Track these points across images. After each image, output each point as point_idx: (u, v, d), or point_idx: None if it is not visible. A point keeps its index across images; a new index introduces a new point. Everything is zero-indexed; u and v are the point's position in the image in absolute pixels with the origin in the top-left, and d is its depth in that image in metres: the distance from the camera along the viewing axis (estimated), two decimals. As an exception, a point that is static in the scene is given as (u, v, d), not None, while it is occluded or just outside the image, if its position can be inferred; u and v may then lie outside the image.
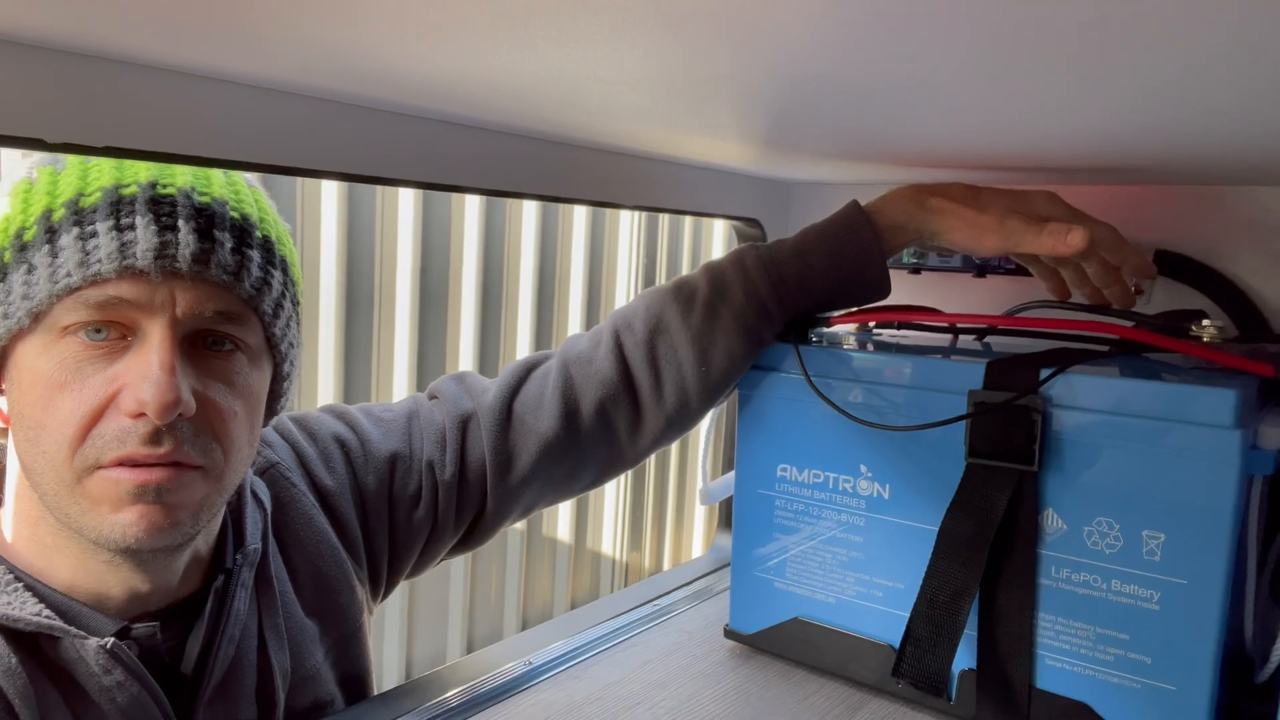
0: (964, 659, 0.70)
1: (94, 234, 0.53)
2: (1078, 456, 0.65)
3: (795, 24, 0.35)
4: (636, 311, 0.76)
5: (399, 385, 2.32)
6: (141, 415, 0.54)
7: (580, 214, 2.69)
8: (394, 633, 2.42)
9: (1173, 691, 0.63)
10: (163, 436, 0.54)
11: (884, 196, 0.75)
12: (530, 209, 2.53)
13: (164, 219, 0.54)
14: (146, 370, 0.54)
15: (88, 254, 0.53)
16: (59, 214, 0.54)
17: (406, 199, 2.28)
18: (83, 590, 0.58)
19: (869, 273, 0.73)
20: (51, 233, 0.54)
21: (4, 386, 0.58)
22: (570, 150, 0.81)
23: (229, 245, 0.57)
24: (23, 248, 0.54)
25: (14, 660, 0.54)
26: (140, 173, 0.55)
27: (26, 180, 0.57)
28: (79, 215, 0.54)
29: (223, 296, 0.57)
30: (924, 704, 0.73)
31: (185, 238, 0.55)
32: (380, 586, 0.78)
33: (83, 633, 0.56)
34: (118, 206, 0.54)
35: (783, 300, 0.74)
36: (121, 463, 0.54)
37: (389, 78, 0.52)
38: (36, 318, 0.54)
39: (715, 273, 0.75)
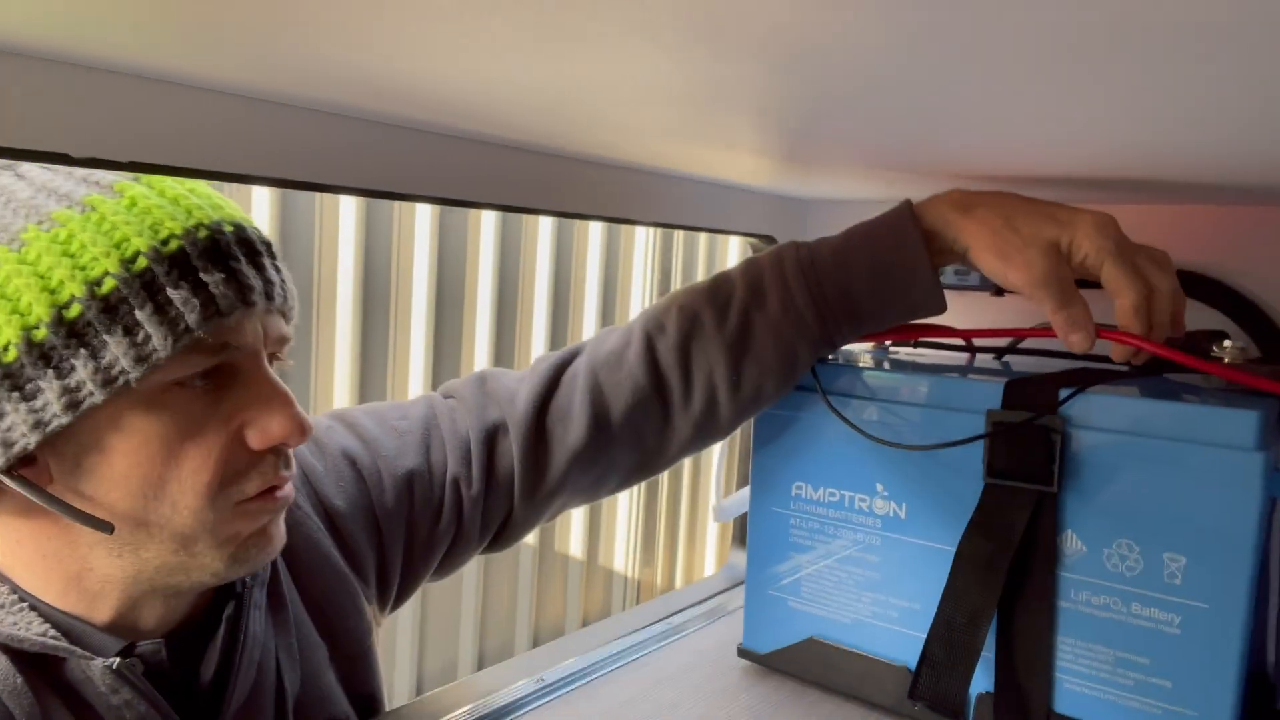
0: (981, 681, 0.69)
1: (204, 284, 0.52)
2: (1097, 477, 0.64)
3: (825, 37, 0.35)
4: (670, 312, 0.71)
5: (414, 390, 2.32)
6: (277, 446, 0.57)
7: (596, 232, 2.69)
8: (405, 646, 2.42)
9: (1193, 717, 0.62)
10: (290, 459, 0.60)
11: (934, 196, 0.68)
12: (545, 225, 2.54)
13: (256, 257, 0.56)
14: (272, 404, 0.56)
15: (206, 304, 0.52)
16: (140, 264, 0.51)
17: (424, 210, 2.29)
18: (99, 616, 0.58)
19: (917, 282, 0.66)
20: (149, 288, 0.51)
21: (67, 460, 0.53)
22: (585, 167, 0.81)
23: (283, 271, 0.60)
24: (108, 308, 0.51)
25: (19, 680, 0.53)
26: (193, 213, 0.54)
27: (49, 235, 0.51)
28: (174, 265, 0.52)
29: (284, 324, 0.60)
30: (940, 727, 0.72)
31: (273, 275, 0.57)
32: (390, 599, 0.77)
33: (88, 653, 0.55)
34: (211, 252, 0.53)
35: (822, 313, 0.67)
36: (263, 493, 0.58)
37: (414, 96, 0.53)
38: (143, 377, 0.52)
39: (753, 276, 0.69)
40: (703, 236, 3.08)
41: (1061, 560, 0.66)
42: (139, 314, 0.51)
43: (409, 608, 2.38)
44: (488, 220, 2.44)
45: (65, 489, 0.53)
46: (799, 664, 0.80)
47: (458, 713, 0.74)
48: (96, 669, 0.55)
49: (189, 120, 0.52)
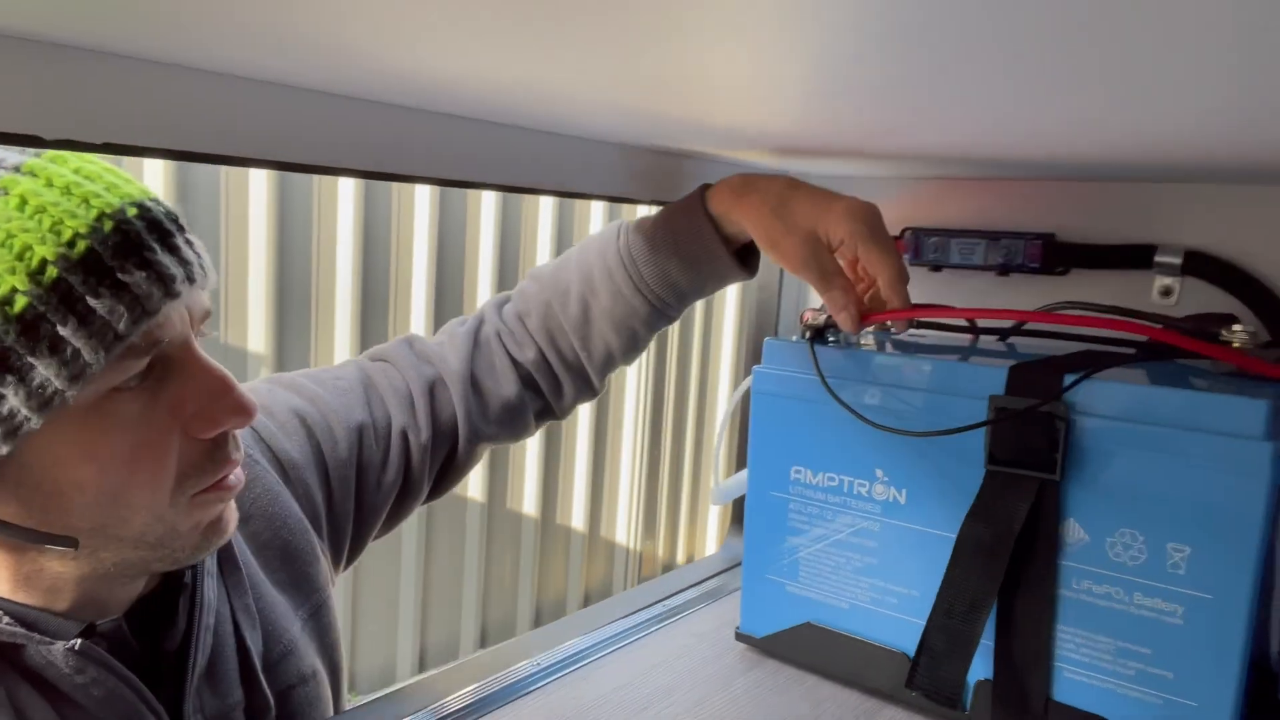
0: (980, 669, 0.68)
1: (124, 285, 0.49)
2: (1102, 465, 0.63)
3: (820, 19, 0.34)
4: (531, 296, 0.82)
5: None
6: (222, 434, 0.56)
7: (597, 210, 2.67)
8: (408, 621, 2.43)
9: (1194, 708, 0.61)
10: (237, 438, 0.59)
11: (722, 181, 0.76)
12: (546, 206, 2.52)
13: (168, 240, 0.52)
14: (211, 392, 0.55)
15: (131, 307, 0.49)
16: (50, 274, 0.48)
17: (423, 197, 2.27)
18: (54, 604, 0.56)
19: (718, 262, 0.76)
20: (66, 300, 0.48)
21: (17, 485, 0.51)
22: (583, 145, 0.80)
23: (196, 244, 0.56)
24: (26, 329, 0.47)
25: None
26: (91, 201, 0.50)
27: None
28: (88, 271, 0.48)
29: (203, 295, 0.57)
30: (939, 714, 0.71)
31: (189, 253, 0.54)
32: (342, 556, 0.79)
33: (47, 638, 0.54)
34: (122, 246, 0.50)
35: (647, 297, 0.78)
36: (219, 480, 0.57)
37: (399, 74, 0.51)
38: (78, 393, 0.49)
39: (584, 268, 0.80)
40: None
41: (1063, 549, 0.65)
42: (62, 330, 0.48)
43: (410, 583, 2.39)
44: (487, 207, 2.42)
45: (20, 511, 0.51)
46: (796, 649, 0.79)
47: (453, 696, 0.74)
48: (58, 653, 0.54)
49: (167, 100, 0.50)
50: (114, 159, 0.53)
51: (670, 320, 0.82)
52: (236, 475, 0.59)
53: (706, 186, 0.76)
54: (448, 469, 0.83)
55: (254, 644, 0.66)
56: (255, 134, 0.55)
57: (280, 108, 0.56)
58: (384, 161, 0.64)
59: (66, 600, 0.57)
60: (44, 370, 0.47)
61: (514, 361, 0.82)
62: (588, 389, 0.85)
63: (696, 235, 0.75)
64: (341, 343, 2.20)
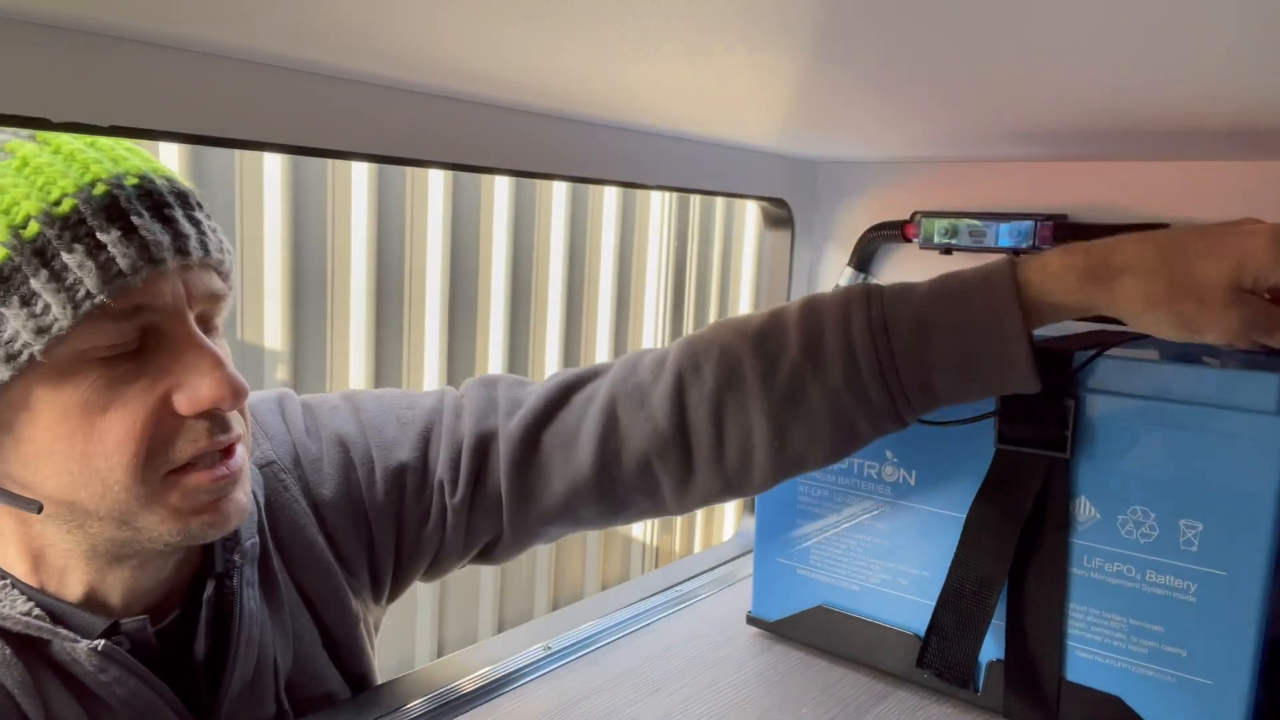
0: (992, 649, 0.68)
1: (101, 245, 0.49)
2: (1113, 443, 0.63)
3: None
4: (709, 353, 0.62)
5: (430, 368, 2.33)
6: (208, 412, 0.54)
7: (610, 197, 2.67)
8: (426, 614, 2.44)
9: (1209, 685, 0.60)
10: (227, 423, 0.55)
11: (1044, 260, 0.56)
12: (560, 194, 2.52)
13: (164, 211, 0.52)
14: (199, 368, 0.53)
15: (105, 266, 0.49)
16: (31, 230, 0.48)
17: (436, 184, 2.28)
18: (72, 592, 0.57)
19: (1012, 378, 0.56)
20: (41, 254, 0.48)
21: None
22: (595, 130, 0.80)
23: (207, 225, 0.55)
24: (1, 280, 0.48)
25: (8, 651, 0.54)
26: (90, 168, 0.51)
27: None
28: (66, 227, 0.49)
29: (214, 278, 0.56)
30: (951, 695, 0.71)
31: (186, 227, 0.53)
32: (384, 592, 0.73)
33: (72, 634, 0.55)
34: (109, 209, 0.50)
35: (891, 394, 0.58)
36: (196, 460, 0.54)
37: (413, 57, 0.51)
38: (48, 349, 0.49)
39: (812, 330, 0.59)
40: (719, 203, 3.04)
41: (1074, 527, 0.65)
42: (34, 283, 0.48)
43: (428, 575, 2.40)
44: (501, 194, 2.42)
45: None
46: (808, 631, 0.79)
47: (465, 679, 0.74)
48: (81, 651, 0.55)
49: (174, 83, 0.50)
50: (138, 144, 0.53)
51: (897, 429, 0.61)
52: (233, 466, 0.56)
53: (1012, 271, 0.55)
54: (494, 544, 0.71)
55: (283, 662, 0.65)
56: (277, 119, 0.55)
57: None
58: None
59: (78, 584, 0.57)
60: (14, 322, 0.48)
61: (617, 435, 0.64)
62: (733, 490, 0.64)
63: (997, 338, 0.55)
64: (357, 338, 2.21)
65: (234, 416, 0.57)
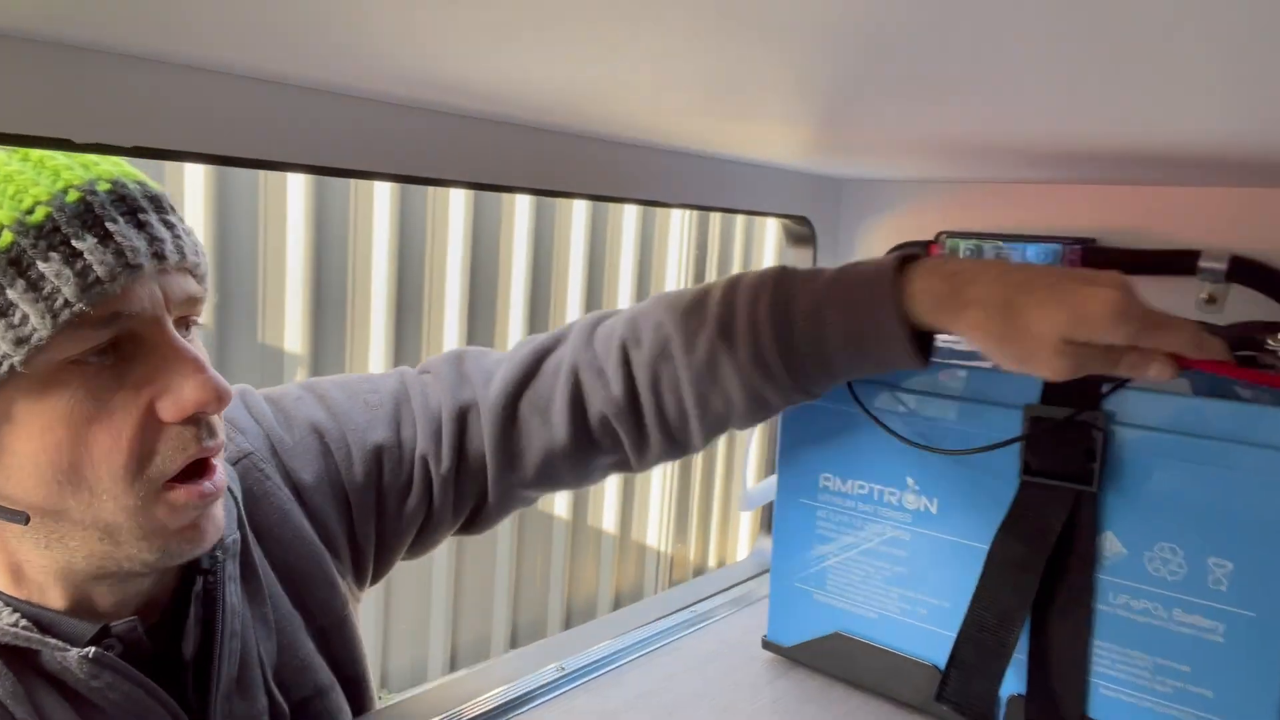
0: (1013, 684, 0.67)
1: (78, 253, 0.49)
2: (1141, 477, 0.61)
3: (860, 12, 0.33)
4: (647, 325, 0.68)
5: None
6: (194, 416, 0.53)
7: (630, 212, 2.67)
8: (440, 622, 2.44)
9: (1237, 729, 0.59)
10: (213, 428, 0.56)
11: (914, 274, 0.60)
12: (580, 208, 2.52)
13: (138, 216, 0.52)
14: (181, 373, 0.52)
15: (83, 274, 0.49)
16: (5, 240, 0.48)
17: (457, 200, 2.28)
18: (56, 600, 0.57)
19: (893, 357, 0.60)
20: (17, 264, 0.48)
21: None
22: (617, 148, 0.79)
23: (180, 227, 0.55)
24: None
25: None
26: (67, 175, 0.51)
27: None
28: (41, 236, 0.49)
29: (190, 281, 0.56)
30: (969, 728, 0.70)
31: (160, 231, 0.53)
32: (366, 574, 0.75)
33: (61, 644, 0.54)
34: (84, 216, 0.50)
35: (791, 368, 0.63)
36: (186, 470, 0.54)
37: (436, 78, 0.51)
38: (28, 360, 0.49)
39: (726, 308, 0.65)
40: (740, 219, 3.04)
41: (1100, 562, 0.63)
42: (10, 293, 0.48)
43: (442, 583, 2.41)
44: (521, 210, 2.42)
45: None
46: (824, 658, 0.78)
47: (477, 699, 0.74)
48: (72, 659, 0.54)
49: (198, 104, 0.50)
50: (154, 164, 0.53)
51: (806, 399, 0.67)
52: (215, 484, 0.56)
53: (898, 270, 0.60)
54: (479, 510, 0.75)
55: (267, 655, 0.65)
56: (299, 140, 0.55)
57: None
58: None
59: (60, 597, 0.57)
60: None
61: (582, 401, 0.69)
62: (679, 448, 0.70)
63: (881, 339, 0.60)
64: (377, 343, 2.22)
65: (217, 422, 0.57)
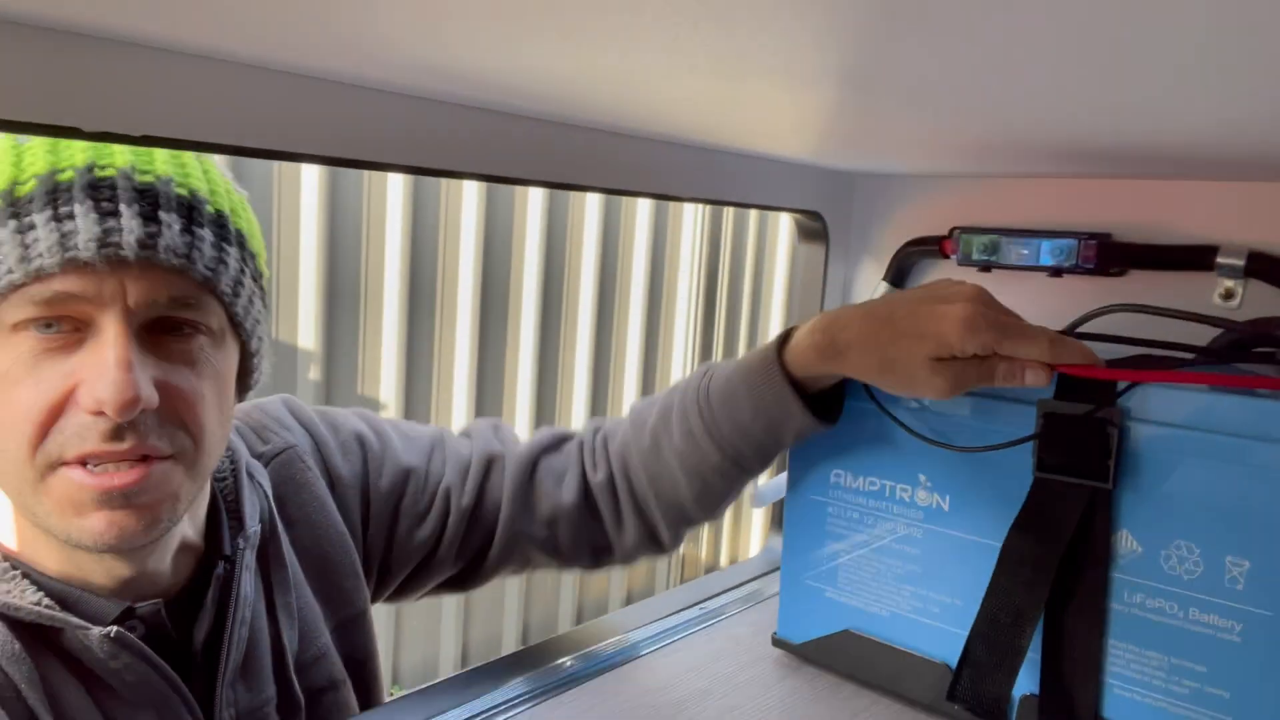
0: (1025, 683, 0.66)
1: (32, 226, 0.51)
2: (1157, 474, 0.61)
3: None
4: (630, 415, 0.79)
5: (460, 373, 2.33)
6: (101, 413, 0.52)
7: (643, 206, 2.67)
8: (451, 620, 2.45)
9: (1254, 730, 0.58)
10: (124, 432, 0.53)
11: (796, 339, 0.68)
12: (593, 202, 2.52)
13: (104, 204, 0.52)
14: (102, 367, 0.51)
15: (28, 248, 0.50)
16: None
17: (470, 196, 2.29)
18: (73, 578, 0.57)
19: (797, 426, 0.69)
20: None
21: None
22: (630, 142, 0.79)
23: (177, 227, 0.54)
24: None
25: (17, 646, 0.54)
26: (76, 155, 0.53)
27: None
28: (15, 206, 0.51)
29: (176, 282, 0.55)
30: (981, 727, 0.69)
31: (129, 223, 0.52)
32: (370, 582, 0.78)
33: (85, 622, 0.55)
34: (54, 195, 0.51)
35: (720, 445, 0.71)
36: (84, 459, 0.53)
37: (448, 70, 0.51)
38: None
39: (667, 402, 0.75)
40: (753, 215, 3.03)
41: (1115, 561, 0.62)
42: None
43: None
44: (534, 206, 2.42)
45: None
46: (835, 656, 0.77)
47: (486, 695, 0.73)
48: (94, 638, 0.55)
49: (207, 93, 0.50)
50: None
51: (749, 474, 0.74)
52: (133, 479, 0.53)
53: (782, 341, 0.69)
54: (480, 557, 0.80)
55: (290, 642, 0.66)
56: (310, 130, 0.55)
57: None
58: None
59: (54, 564, 0.57)
60: None
61: (584, 476, 0.78)
62: (653, 538, 0.78)
63: (776, 401, 0.68)
64: (389, 339, 2.22)
65: (153, 430, 0.54)
